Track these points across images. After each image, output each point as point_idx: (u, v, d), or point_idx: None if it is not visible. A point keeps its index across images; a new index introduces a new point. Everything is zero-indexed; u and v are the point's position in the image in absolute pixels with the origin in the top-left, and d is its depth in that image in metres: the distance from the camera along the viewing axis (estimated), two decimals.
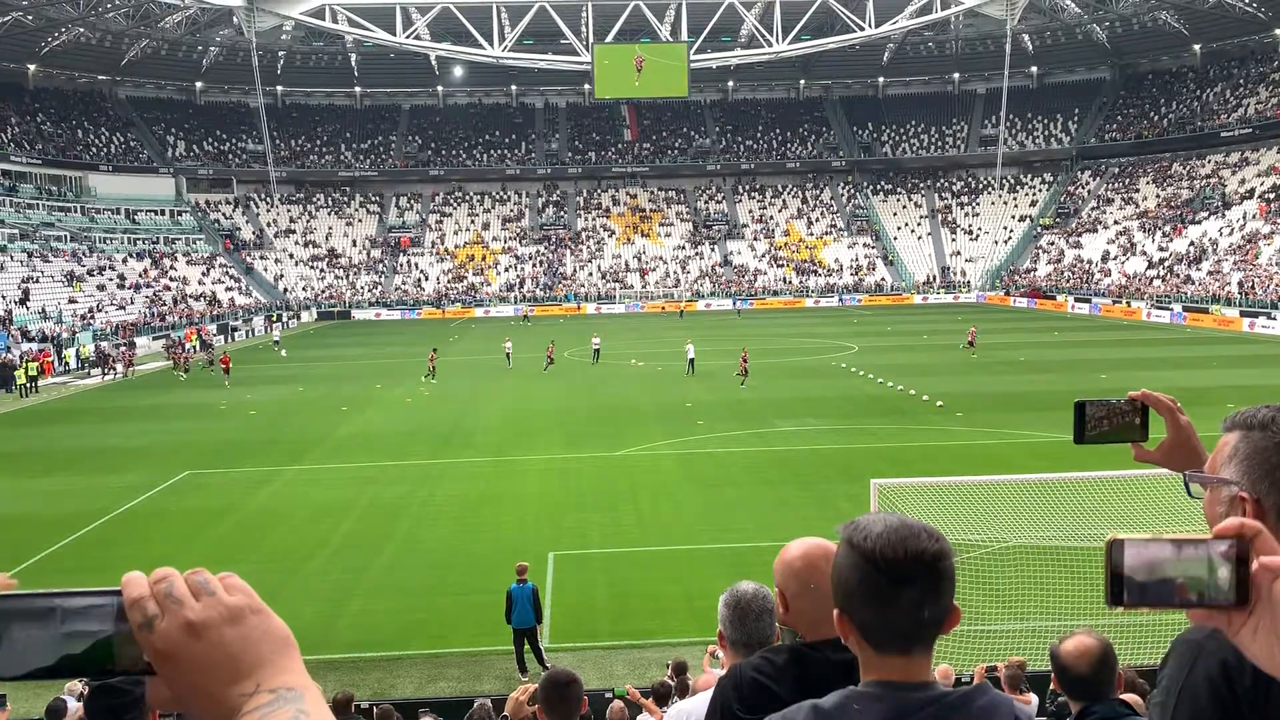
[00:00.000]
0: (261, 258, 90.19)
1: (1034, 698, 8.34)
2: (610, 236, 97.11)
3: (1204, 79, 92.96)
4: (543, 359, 46.85)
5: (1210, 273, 68.59)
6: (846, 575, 1.85)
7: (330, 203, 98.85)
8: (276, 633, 1.16)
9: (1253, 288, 62.59)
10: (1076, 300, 76.31)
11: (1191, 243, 74.34)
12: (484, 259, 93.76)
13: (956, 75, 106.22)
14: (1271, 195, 72.46)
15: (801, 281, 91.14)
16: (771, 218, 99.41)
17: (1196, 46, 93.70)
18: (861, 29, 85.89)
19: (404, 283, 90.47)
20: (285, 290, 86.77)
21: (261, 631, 1.15)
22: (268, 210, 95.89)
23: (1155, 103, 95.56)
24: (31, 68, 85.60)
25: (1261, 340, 53.34)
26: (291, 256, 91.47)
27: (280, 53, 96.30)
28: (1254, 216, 71.63)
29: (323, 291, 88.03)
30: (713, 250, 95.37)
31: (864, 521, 1.90)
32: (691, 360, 42.96)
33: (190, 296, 76.11)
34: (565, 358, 49.80)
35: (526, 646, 13.92)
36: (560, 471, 25.55)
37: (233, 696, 1.11)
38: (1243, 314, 60.31)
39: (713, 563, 17.84)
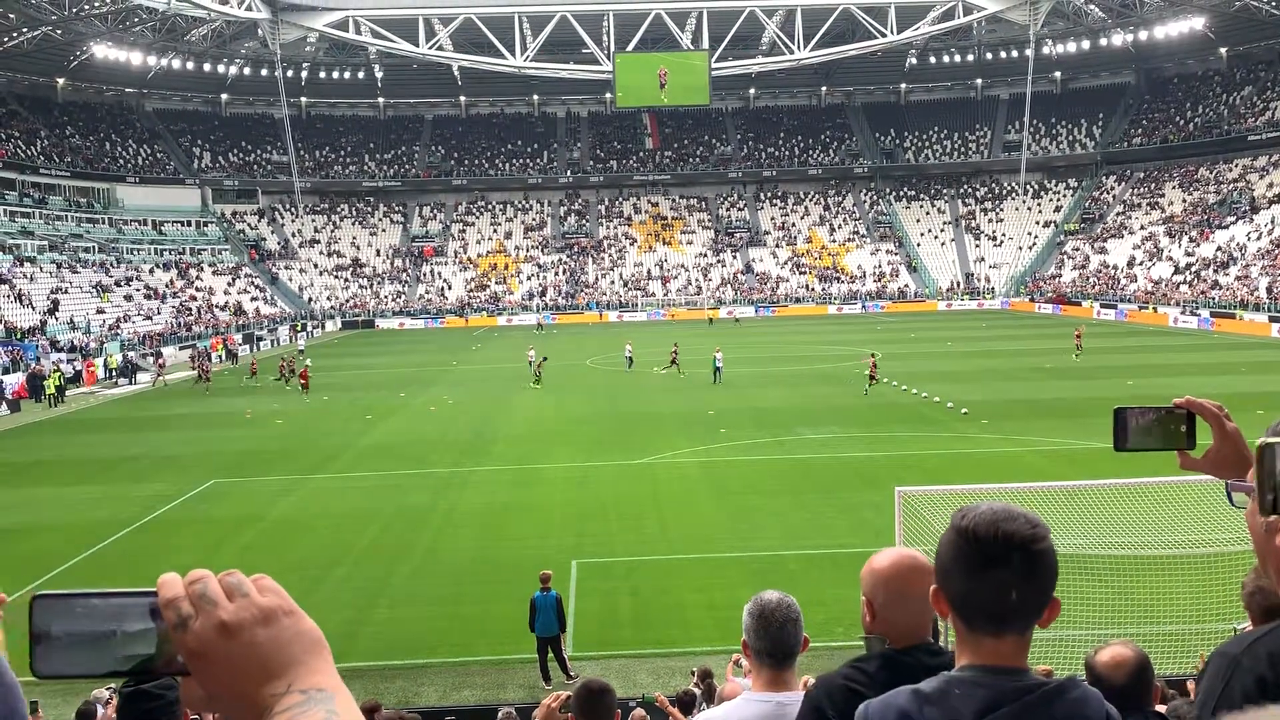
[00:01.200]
0: (286, 268, 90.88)
1: None
2: (632, 245, 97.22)
3: (1230, 82, 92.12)
4: (553, 368, 46.92)
5: (1238, 278, 67.86)
6: (944, 551, 1.96)
7: (354, 213, 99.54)
8: (309, 634, 1.18)
9: None
10: (1102, 306, 75.69)
11: (1219, 247, 73.60)
12: (506, 268, 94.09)
13: (979, 81, 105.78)
14: None
15: (824, 289, 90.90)
16: (794, 225, 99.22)
17: (1223, 50, 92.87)
18: (883, 35, 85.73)
19: (427, 292, 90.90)
20: (310, 300, 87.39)
21: (294, 633, 1.17)
22: (292, 220, 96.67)
23: (1181, 107, 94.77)
24: (60, 81, 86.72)
25: None
26: (316, 266, 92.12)
27: (304, 64, 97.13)
28: None
29: (347, 301, 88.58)
30: (735, 258, 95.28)
31: (973, 506, 2.00)
32: (717, 368, 42.57)
33: (216, 306, 76.78)
34: (588, 365, 49.88)
35: (550, 655, 13.92)
36: (582, 479, 25.56)
37: (264, 696, 1.12)
38: (1271, 319, 59.62)
39: (736, 571, 17.78)
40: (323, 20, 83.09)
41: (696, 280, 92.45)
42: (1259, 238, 71.21)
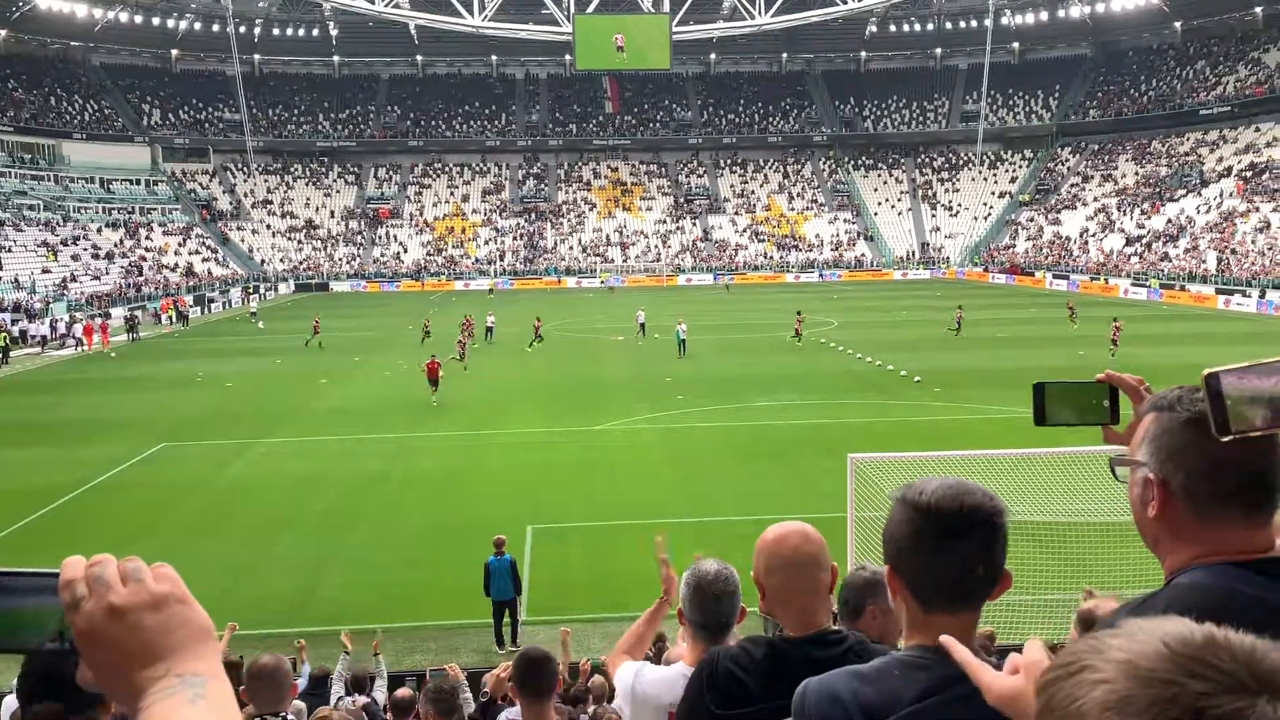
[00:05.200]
0: (238, 228, 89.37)
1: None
2: (591, 210, 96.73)
3: (1184, 56, 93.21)
4: (524, 334, 46.64)
5: (1187, 250, 69.05)
6: (898, 530, 1.89)
7: (308, 173, 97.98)
8: (196, 622, 1.20)
9: (1228, 266, 63.08)
10: (1055, 277, 76.70)
11: (1169, 220, 74.78)
12: (463, 231, 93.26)
13: (939, 50, 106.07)
14: (1249, 174, 72.92)
15: (782, 257, 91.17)
16: (753, 192, 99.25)
17: (1177, 24, 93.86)
18: (844, 2, 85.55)
19: (382, 255, 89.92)
20: (262, 262, 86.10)
21: (181, 619, 1.18)
22: (244, 180, 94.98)
23: (1135, 80, 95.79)
24: (2, 33, 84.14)
25: (1236, 318, 53.81)
26: (269, 228, 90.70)
27: (257, 21, 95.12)
28: (1231, 195, 72.09)
29: (300, 263, 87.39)
30: (694, 225, 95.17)
31: (919, 482, 1.95)
32: (681, 339, 40.75)
33: (166, 267, 75.39)
34: (546, 330, 49.68)
35: (506, 620, 13.93)
36: (539, 445, 25.54)
37: (143, 679, 1.15)
38: (1218, 291, 60.80)
39: (690, 537, 17.83)
40: None
41: (656, 246, 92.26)
42: (1208, 211, 72.42)
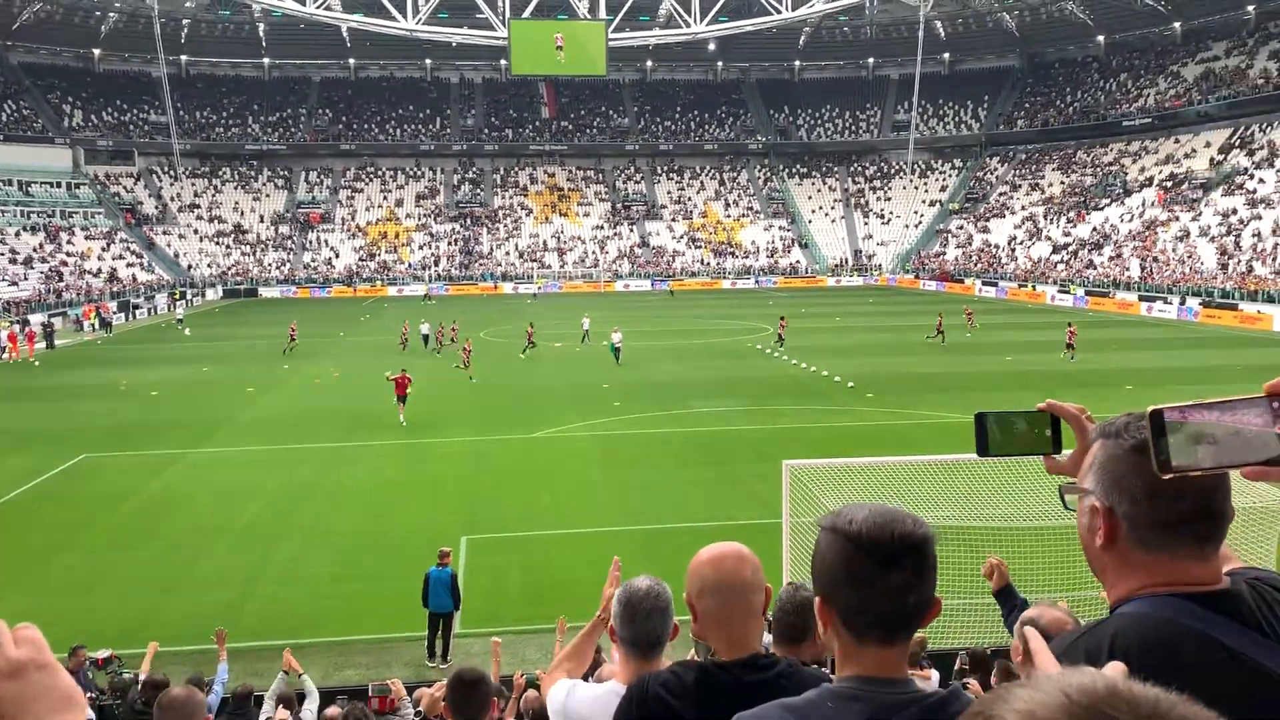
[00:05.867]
0: (164, 233, 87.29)
1: (934, 673, 8.45)
2: (528, 215, 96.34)
3: (1107, 69, 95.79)
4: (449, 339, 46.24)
5: (1111, 258, 70.86)
6: (829, 561, 1.83)
7: (236, 177, 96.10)
8: (60, 690, 1.12)
9: (1151, 273, 64.86)
10: (984, 284, 78.19)
11: (1094, 229, 76.70)
12: (397, 236, 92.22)
13: (871, 60, 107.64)
14: (1169, 184, 75.10)
15: (719, 263, 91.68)
16: (690, 199, 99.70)
17: (1100, 37, 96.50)
18: (778, 12, 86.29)
19: (313, 260, 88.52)
20: (189, 267, 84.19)
21: (42, 689, 1.11)
22: (171, 183, 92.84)
23: (1061, 91, 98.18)
24: None
25: (1158, 324, 55.35)
26: (196, 232, 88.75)
27: (184, 21, 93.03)
28: (1153, 204, 74.17)
29: (229, 269, 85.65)
30: (631, 231, 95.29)
31: (847, 509, 1.89)
32: (616, 348, 40.52)
33: (89, 273, 73.31)
34: (481, 337, 49.27)
35: (440, 633, 13.70)
36: (474, 454, 25.26)
37: None
38: (1141, 298, 62.48)
39: (627, 545, 17.79)
40: None
41: (593, 252, 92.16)
42: (1131, 220, 74.43)
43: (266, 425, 29.08)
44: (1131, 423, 1.69)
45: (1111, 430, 1.72)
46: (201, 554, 17.75)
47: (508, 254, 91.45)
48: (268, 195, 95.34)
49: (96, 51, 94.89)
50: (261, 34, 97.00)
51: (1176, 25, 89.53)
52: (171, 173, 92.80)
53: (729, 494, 20.88)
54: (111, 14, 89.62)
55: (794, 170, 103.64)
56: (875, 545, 1.80)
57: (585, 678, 3.75)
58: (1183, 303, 58.96)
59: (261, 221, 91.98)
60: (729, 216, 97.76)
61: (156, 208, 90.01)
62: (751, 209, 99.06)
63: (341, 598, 15.83)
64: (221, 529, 19.23)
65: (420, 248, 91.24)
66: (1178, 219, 69.66)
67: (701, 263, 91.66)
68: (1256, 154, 70.67)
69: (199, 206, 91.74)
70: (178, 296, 73.50)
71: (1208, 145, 76.57)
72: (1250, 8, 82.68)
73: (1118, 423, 1.72)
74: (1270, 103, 73.21)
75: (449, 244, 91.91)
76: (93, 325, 58.36)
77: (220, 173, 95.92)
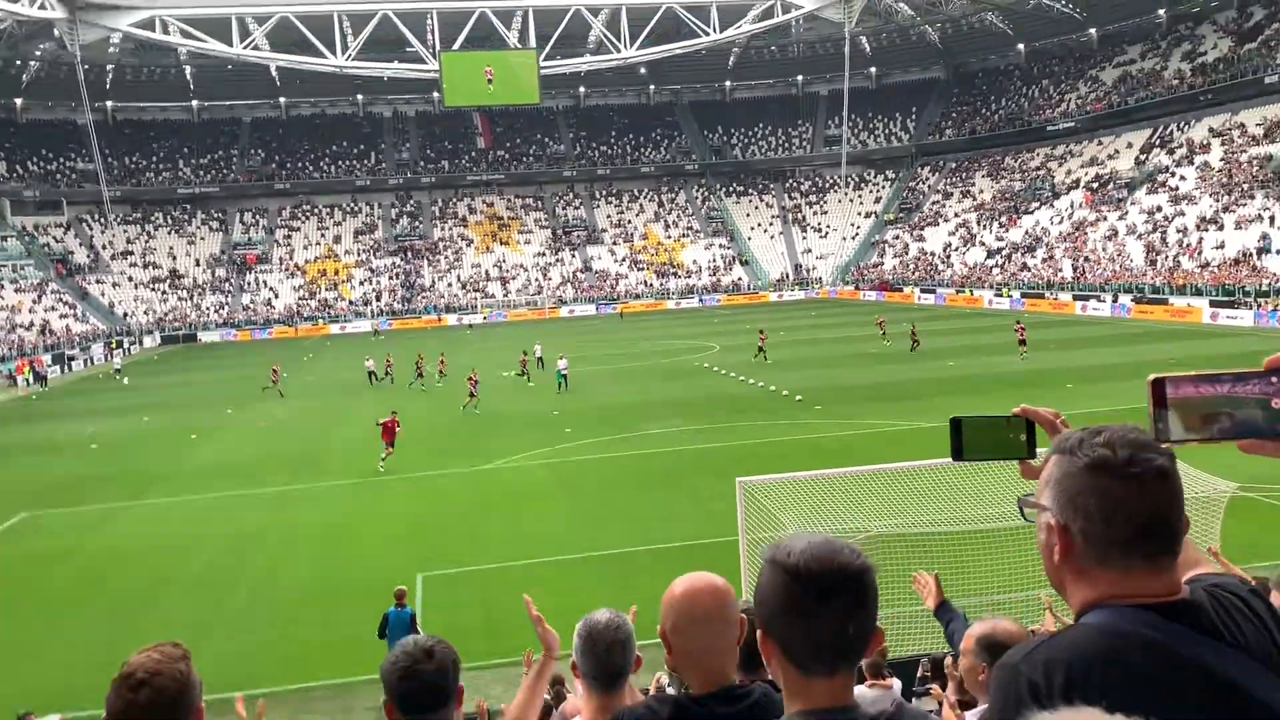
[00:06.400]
0: (98, 281, 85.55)
1: (897, 682, 8.54)
2: (468, 245, 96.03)
3: (1029, 76, 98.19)
4: (403, 374, 45.83)
5: (1044, 260, 72.38)
6: (769, 594, 1.84)
7: (170, 221, 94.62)
8: None
9: (1083, 273, 66.35)
10: (922, 291, 79.40)
11: (1026, 232, 78.33)
12: (337, 273, 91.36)
13: (800, 78, 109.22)
14: (1095, 185, 77.00)
15: (662, 284, 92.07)
16: (630, 222, 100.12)
17: (1021, 45, 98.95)
18: (706, 34, 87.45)
19: (252, 302, 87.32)
20: (125, 315, 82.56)
21: None
22: (103, 232, 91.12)
23: (986, 100, 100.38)
24: None
25: (1093, 322, 56.58)
26: (130, 279, 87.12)
27: (109, 67, 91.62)
28: (1081, 205, 75.97)
29: (166, 315, 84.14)
30: (574, 256, 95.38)
31: (786, 541, 1.90)
32: (562, 374, 40.14)
33: (20, 326, 71.55)
34: (429, 370, 48.89)
35: None
36: (427, 489, 25.02)
37: None
38: (1075, 298, 63.86)
39: (587, 572, 17.75)
40: (127, 20, 78.58)
41: (537, 279, 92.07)
42: (1060, 222, 76.14)
43: (212, 472, 28.55)
44: (1086, 439, 1.71)
45: (1067, 446, 1.74)
46: (150, 609, 17.34)
47: (450, 285, 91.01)
48: (202, 238, 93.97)
49: (19, 101, 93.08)
50: (189, 76, 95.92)
51: (1092, 31, 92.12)
52: (102, 220, 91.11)
53: (686, 513, 20.91)
54: (33, 62, 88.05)
55: (731, 189, 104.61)
56: (814, 577, 1.80)
57: (549, 712, 3.71)
58: (1115, 300, 60.37)
59: (197, 265, 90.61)
60: (669, 237, 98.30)
61: (88, 257, 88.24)
62: (691, 229, 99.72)
63: (297, 643, 15.56)
64: (169, 582, 18.81)
65: (361, 283, 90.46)
66: (1105, 219, 71.41)
67: (645, 284, 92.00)
68: (1176, 152, 72.78)
69: (132, 253, 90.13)
70: (114, 346, 72.01)
71: (1130, 146, 78.70)
72: (1161, 11, 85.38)
73: (1073, 438, 1.74)
74: (1185, 102, 75.53)
75: (390, 278, 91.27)
76: (27, 380, 56.94)
77: (153, 218, 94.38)
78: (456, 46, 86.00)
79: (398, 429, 27.81)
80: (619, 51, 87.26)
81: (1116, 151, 79.57)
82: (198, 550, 20.75)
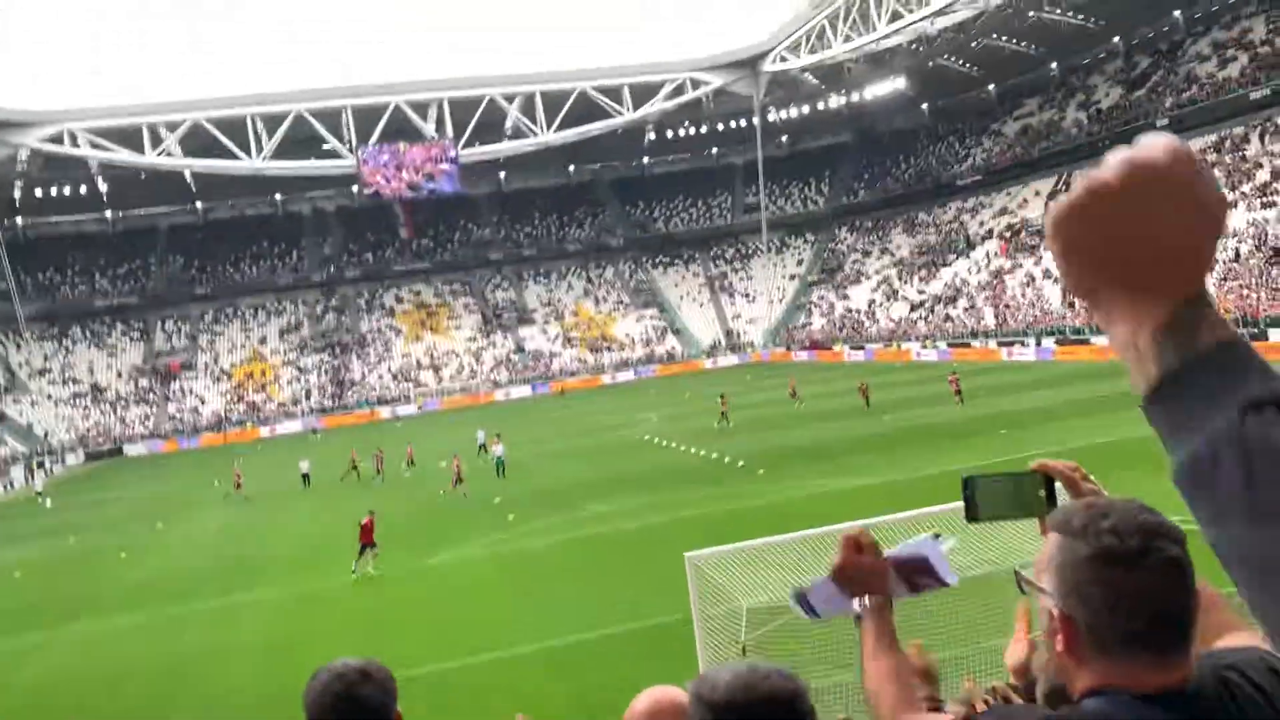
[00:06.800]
0: (15, 402, 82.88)
1: None
2: (397, 336, 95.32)
3: (934, 135, 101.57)
4: (342, 472, 44.96)
5: (967, 309, 74.09)
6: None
7: (89, 335, 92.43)
8: None
9: (1005, 319, 68.00)
10: (852, 348, 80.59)
11: (946, 284, 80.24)
12: (264, 375, 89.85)
13: (715, 150, 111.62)
14: (1008, 234, 79.38)
15: (597, 359, 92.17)
16: (559, 300, 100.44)
17: (924, 105, 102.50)
18: (620, 114, 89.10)
19: (179, 411, 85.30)
20: (46, 435, 79.95)
21: None
22: (18, 351, 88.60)
23: (895, 160, 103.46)
24: None
25: (1020, 367, 57.83)
26: (50, 397, 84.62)
27: (16, 183, 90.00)
28: (996, 255, 78.15)
29: (89, 431, 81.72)
30: (505, 339, 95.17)
31: (711, 673, 1.80)
32: (500, 460, 39.95)
33: None
34: (362, 465, 48.00)
35: None
36: (368, 591, 24.34)
37: None
38: (1000, 344, 65.32)
39: (541, 665, 17.32)
40: (35, 135, 77.65)
41: (470, 365, 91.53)
42: (978, 271, 78.17)
43: (144, 591, 27.46)
44: (1091, 523, 1.60)
45: (1070, 528, 1.63)
46: None
47: (381, 378, 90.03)
48: (124, 349, 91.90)
49: None
50: (101, 188, 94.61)
51: (991, 88, 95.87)
52: (18, 339, 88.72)
53: (636, 593, 20.58)
54: None
55: (657, 261, 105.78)
56: (741, 710, 1.72)
57: None
58: (1039, 343, 61.88)
59: (120, 377, 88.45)
60: (600, 312, 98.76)
61: (4, 377, 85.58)
62: (621, 302, 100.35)
63: None
64: (104, 715, 17.89)
65: (289, 383, 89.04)
66: (1021, 265, 73.48)
67: (580, 361, 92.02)
68: None
69: (50, 370, 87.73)
70: (35, 468, 69.57)
71: (1037, 194, 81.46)
72: (1054, 64, 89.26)
73: (1077, 519, 1.63)
74: (1086, 149, 78.51)
75: (319, 375, 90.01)
76: None
77: (70, 333, 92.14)
78: (373, 140, 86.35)
79: (374, 529, 26.35)
80: (536, 135, 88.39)
81: (1025, 200, 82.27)
82: (131, 679, 19.81)
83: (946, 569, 2.36)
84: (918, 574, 2.36)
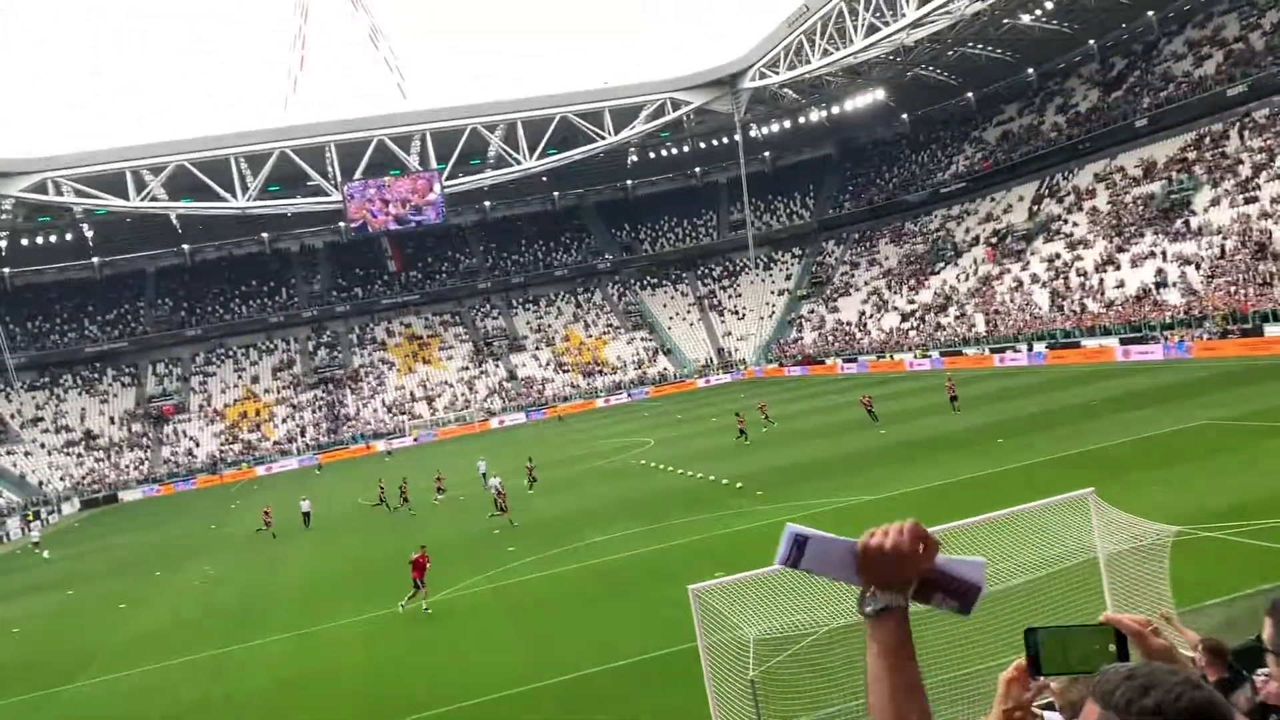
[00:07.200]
0: (8, 453, 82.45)
1: None
2: (390, 369, 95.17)
3: (916, 143, 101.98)
4: (350, 510, 44.76)
5: (957, 317, 74.20)
6: None
7: (80, 382, 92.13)
8: None
9: (995, 325, 68.09)
10: (845, 361, 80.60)
11: (935, 292, 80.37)
12: (258, 413, 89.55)
13: (698, 169, 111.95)
14: (994, 240, 79.61)
15: (589, 383, 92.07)
16: (550, 325, 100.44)
17: (905, 115, 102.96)
18: (603, 138, 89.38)
19: (173, 454, 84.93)
20: (41, 484, 79.51)
21: None
22: (9, 401, 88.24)
23: (879, 170, 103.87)
24: None
25: (1013, 373, 57.84)
26: (43, 446, 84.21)
27: (1, 233, 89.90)
28: (983, 261, 78.36)
29: (84, 478, 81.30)
30: (497, 366, 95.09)
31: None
32: (497, 493, 37.89)
33: None
34: (359, 502, 47.71)
35: None
36: (370, 633, 24.12)
37: None
38: (992, 350, 65.38)
39: (547, 702, 17.17)
40: (17, 185, 77.58)
41: (463, 394, 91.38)
42: (967, 279, 78.35)
43: (144, 643, 27.20)
44: (1135, 699, 1.53)
45: (1111, 702, 1.56)
46: None
47: (375, 411, 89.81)
48: (115, 395, 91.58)
49: None
50: (87, 234, 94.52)
51: (970, 95, 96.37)
52: (8, 389, 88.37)
53: (641, 625, 20.43)
54: None
55: (645, 282, 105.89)
56: None
57: None
58: (1030, 349, 61.95)
59: (112, 423, 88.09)
60: (590, 336, 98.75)
61: None
62: (611, 325, 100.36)
63: None
64: None
65: (284, 420, 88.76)
66: (1009, 270, 73.68)
67: (573, 386, 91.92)
68: (1065, 200, 75.80)
69: (43, 419, 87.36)
70: (31, 518, 69.07)
71: (1021, 199, 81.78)
72: (1030, 70, 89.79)
73: (1119, 692, 1.56)
74: (1066, 152, 78.99)
75: (313, 412, 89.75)
76: None
77: (61, 381, 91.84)
78: (358, 175, 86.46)
79: (427, 564, 25.77)
80: (520, 163, 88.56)
81: (1009, 205, 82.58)
82: None
83: (976, 600, 2.15)
84: (948, 591, 2.14)
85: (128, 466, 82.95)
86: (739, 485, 34.28)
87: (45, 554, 52.51)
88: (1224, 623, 15.04)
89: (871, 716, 1.96)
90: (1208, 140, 65.09)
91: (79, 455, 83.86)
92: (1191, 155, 65.29)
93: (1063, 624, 1.89)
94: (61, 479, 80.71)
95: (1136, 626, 1.85)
